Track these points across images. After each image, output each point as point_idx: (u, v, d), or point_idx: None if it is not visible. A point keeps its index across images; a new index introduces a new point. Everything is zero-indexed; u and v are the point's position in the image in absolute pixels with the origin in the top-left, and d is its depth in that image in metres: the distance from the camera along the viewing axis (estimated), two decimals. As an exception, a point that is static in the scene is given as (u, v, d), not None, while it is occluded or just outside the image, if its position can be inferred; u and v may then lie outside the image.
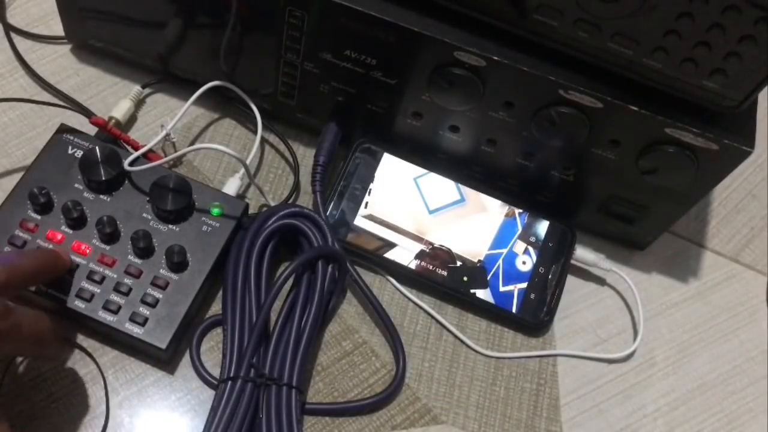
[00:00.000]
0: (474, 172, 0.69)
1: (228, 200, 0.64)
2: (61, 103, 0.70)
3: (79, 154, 0.63)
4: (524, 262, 0.67)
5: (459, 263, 0.67)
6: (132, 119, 0.71)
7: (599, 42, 0.55)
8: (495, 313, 0.67)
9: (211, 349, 0.62)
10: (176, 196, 0.62)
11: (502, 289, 0.66)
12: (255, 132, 0.70)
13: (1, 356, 0.58)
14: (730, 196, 0.77)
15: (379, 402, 0.62)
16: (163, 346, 0.58)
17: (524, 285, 0.67)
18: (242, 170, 0.67)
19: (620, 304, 0.70)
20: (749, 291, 0.72)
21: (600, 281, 0.71)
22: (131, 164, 0.63)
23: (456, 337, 0.66)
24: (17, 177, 0.63)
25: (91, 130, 0.67)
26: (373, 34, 0.60)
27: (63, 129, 0.65)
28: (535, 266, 0.67)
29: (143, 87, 0.72)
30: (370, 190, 0.68)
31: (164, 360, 0.61)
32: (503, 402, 0.64)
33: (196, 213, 0.63)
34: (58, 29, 0.72)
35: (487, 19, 0.57)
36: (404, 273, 0.67)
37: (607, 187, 0.66)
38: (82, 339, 0.60)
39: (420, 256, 0.66)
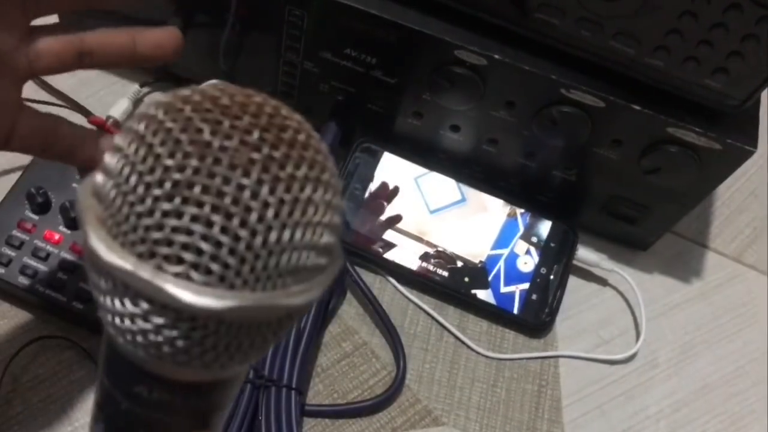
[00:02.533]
0: (475, 171, 0.69)
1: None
2: (59, 102, 0.70)
3: (77, 153, 0.63)
4: (526, 263, 0.67)
5: (460, 264, 0.66)
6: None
7: (601, 41, 0.55)
8: (496, 314, 0.66)
9: (210, 351, 0.62)
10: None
11: (503, 289, 0.66)
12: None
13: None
14: (732, 196, 0.77)
15: (380, 404, 0.62)
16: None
17: (526, 286, 0.66)
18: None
19: (622, 304, 0.70)
20: (752, 291, 0.72)
21: (602, 282, 0.70)
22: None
23: (457, 338, 0.66)
24: (15, 177, 0.63)
25: (90, 129, 0.67)
26: (373, 33, 0.59)
27: (61, 128, 0.65)
28: (537, 267, 0.67)
29: (141, 86, 0.72)
30: (371, 190, 0.68)
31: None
32: (504, 404, 0.64)
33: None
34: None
35: (489, 17, 0.57)
36: (405, 274, 0.66)
37: (609, 187, 0.66)
38: (80, 339, 0.60)
39: (420, 256, 0.66)
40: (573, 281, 0.69)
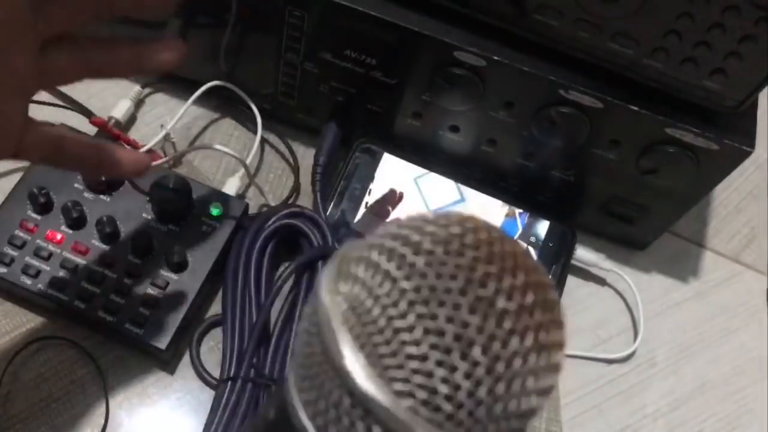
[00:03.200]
0: (474, 172, 0.69)
1: (228, 200, 0.64)
2: (61, 103, 0.70)
3: (78, 154, 0.63)
4: (524, 263, 0.67)
5: (459, 263, 0.66)
6: (132, 119, 0.71)
7: (599, 42, 0.55)
8: (495, 313, 0.66)
9: (211, 350, 0.62)
10: (176, 196, 0.62)
11: (502, 289, 0.66)
12: (255, 132, 0.69)
13: None
14: (730, 196, 0.77)
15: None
16: (163, 346, 0.58)
17: (524, 285, 0.66)
18: (242, 170, 0.67)
19: (620, 304, 0.70)
20: (750, 291, 0.72)
21: (600, 281, 0.70)
22: (131, 164, 0.63)
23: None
24: (17, 177, 0.63)
25: (91, 130, 0.67)
26: (373, 34, 0.59)
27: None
28: (536, 266, 0.67)
29: (143, 87, 0.72)
30: (370, 190, 0.68)
31: (164, 360, 0.60)
32: (503, 402, 0.64)
33: (196, 213, 0.63)
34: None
35: (488, 18, 0.57)
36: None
37: (607, 187, 0.66)
38: (81, 339, 0.60)
39: (420, 256, 0.66)
40: (571, 281, 0.69)
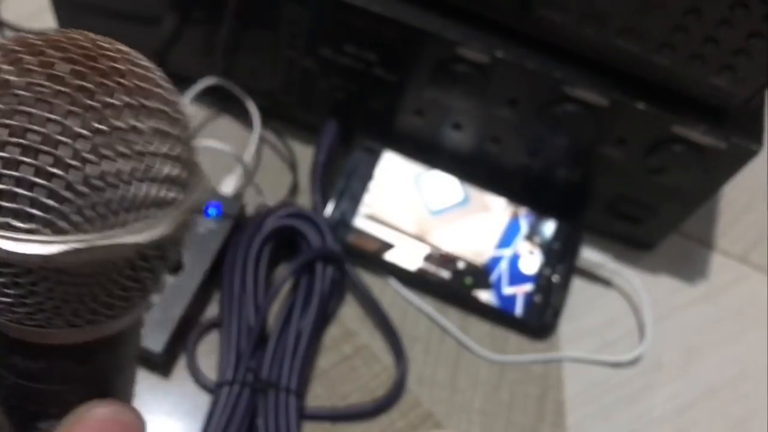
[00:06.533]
0: (477, 170, 0.68)
1: (225, 200, 0.63)
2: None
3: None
4: (529, 264, 0.66)
5: (461, 264, 0.65)
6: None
7: (605, 38, 0.55)
8: (499, 315, 0.65)
9: (208, 353, 0.61)
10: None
11: (506, 291, 0.65)
12: (252, 130, 0.69)
13: None
14: (738, 195, 0.76)
15: (380, 407, 0.61)
16: (159, 349, 0.57)
17: (529, 287, 0.65)
18: (239, 169, 0.66)
19: (627, 306, 0.69)
20: (758, 292, 0.71)
21: (606, 283, 0.69)
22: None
23: (458, 340, 0.65)
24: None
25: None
26: (373, 30, 0.59)
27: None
28: (540, 268, 0.66)
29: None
30: (371, 189, 0.67)
31: (159, 364, 0.59)
32: (507, 407, 0.63)
33: (192, 213, 0.62)
34: (51, 25, 0.71)
35: (491, 14, 0.57)
36: (406, 275, 0.65)
37: (613, 187, 0.65)
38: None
39: (422, 257, 0.65)
40: (577, 282, 0.68)
